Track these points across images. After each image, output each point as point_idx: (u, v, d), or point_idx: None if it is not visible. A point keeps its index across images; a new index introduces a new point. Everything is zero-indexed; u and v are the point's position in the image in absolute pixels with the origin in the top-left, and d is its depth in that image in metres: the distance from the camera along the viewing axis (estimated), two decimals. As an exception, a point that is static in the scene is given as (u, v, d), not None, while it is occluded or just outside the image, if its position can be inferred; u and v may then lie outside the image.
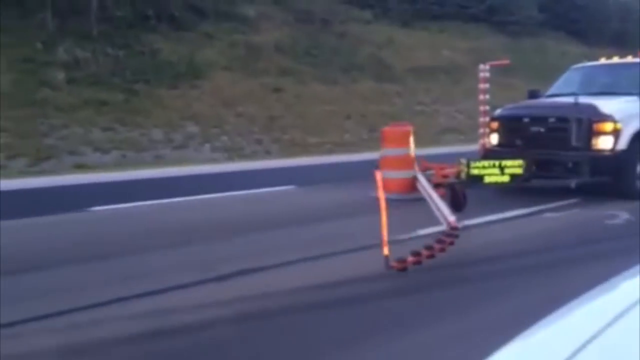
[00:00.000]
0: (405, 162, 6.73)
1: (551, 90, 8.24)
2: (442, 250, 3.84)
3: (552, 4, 30.25)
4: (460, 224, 4.37)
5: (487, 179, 5.72)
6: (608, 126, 6.40)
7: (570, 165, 6.45)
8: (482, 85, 8.80)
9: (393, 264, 3.58)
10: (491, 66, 9.03)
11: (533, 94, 8.18)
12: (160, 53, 15.76)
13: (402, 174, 6.63)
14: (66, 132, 11.45)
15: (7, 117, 11.18)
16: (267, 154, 13.12)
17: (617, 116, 6.42)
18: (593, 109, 6.48)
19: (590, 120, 6.41)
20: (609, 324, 0.90)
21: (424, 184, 5.95)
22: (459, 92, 20.14)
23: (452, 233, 4.13)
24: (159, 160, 11.36)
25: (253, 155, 12.81)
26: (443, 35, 25.99)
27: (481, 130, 8.32)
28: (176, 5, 17.63)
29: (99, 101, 12.59)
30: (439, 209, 4.88)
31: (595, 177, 6.31)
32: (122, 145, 11.56)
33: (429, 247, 3.78)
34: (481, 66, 8.90)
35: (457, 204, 5.75)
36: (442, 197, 5.42)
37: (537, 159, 6.35)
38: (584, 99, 6.65)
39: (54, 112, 11.81)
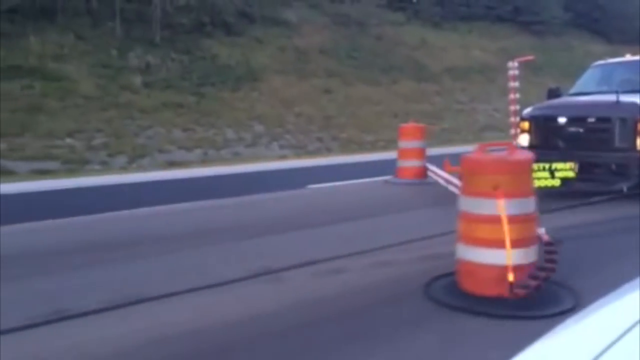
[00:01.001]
0: (417, 153, 7.98)
1: (575, 89, 7.94)
2: (553, 270, 3.73)
3: (574, 3, 31.07)
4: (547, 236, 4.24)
5: (536, 183, 5.31)
6: None
7: (614, 167, 6.19)
8: (512, 84, 8.35)
9: (518, 290, 3.33)
10: (519, 62, 8.64)
11: (554, 93, 7.87)
12: (219, 58, 16.84)
13: (414, 163, 7.97)
14: (151, 132, 12.52)
15: (99, 119, 12.29)
16: (328, 150, 14.14)
17: None
18: (637, 107, 6.19)
19: (635, 119, 6.12)
20: (616, 339, 0.92)
21: (453, 180, 5.98)
22: (493, 91, 21.06)
23: (552, 249, 4.01)
24: (237, 157, 12.40)
25: (316, 152, 13.83)
26: (472, 36, 26.94)
27: (513, 131, 7.84)
28: (228, 11, 18.68)
29: (175, 103, 13.68)
30: None
31: None
32: (201, 144, 12.61)
33: (543, 268, 3.66)
34: (510, 63, 8.50)
35: None
36: None
37: (577, 162, 5.90)
38: (625, 97, 6.33)
39: (137, 114, 12.89)
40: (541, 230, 4.14)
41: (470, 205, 3.22)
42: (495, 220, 3.06)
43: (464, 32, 27.00)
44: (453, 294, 3.26)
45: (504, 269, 3.06)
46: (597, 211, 6.00)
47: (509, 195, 3.10)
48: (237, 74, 16.26)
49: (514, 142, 7.47)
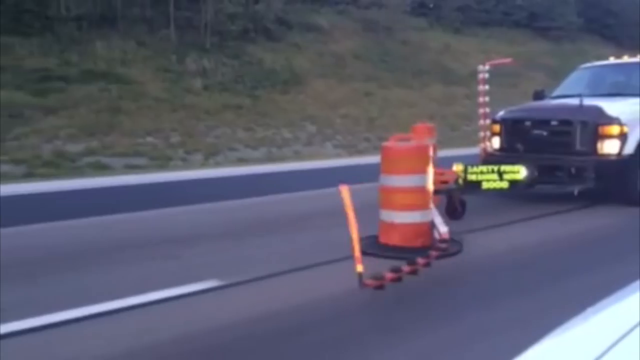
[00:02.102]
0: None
1: (557, 91, 8.00)
2: (427, 265, 3.60)
3: (587, 10, 32.33)
4: (453, 236, 4.22)
5: (485, 185, 5.44)
6: (614, 129, 6.14)
7: (573, 170, 6.23)
8: (481, 87, 8.16)
9: (367, 281, 3.25)
10: (491, 66, 8.46)
11: (538, 95, 8.01)
12: (264, 62, 17.95)
13: None
14: (217, 131, 13.59)
15: (171, 119, 13.36)
16: (376, 149, 15.19)
17: (623, 118, 6.17)
18: (598, 111, 6.25)
19: (596, 123, 6.19)
20: (615, 343, 0.94)
21: None
22: (517, 95, 22.14)
23: (440, 246, 3.93)
24: (298, 155, 13.47)
25: (365, 151, 14.89)
26: (491, 41, 28.12)
27: (481, 134, 7.84)
28: (268, 18, 19.79)
29: (234, 105, 14.78)
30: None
31: (600, 183, 6.11)
32: (264, 143, 13.67)
33: (411, 262, 3.52)
34: (480, 67, 8.31)
35: (453, 212, 5.56)
36: (436, 204, 5.11)
37: (540, 164, 6.11)
38: (589, 101, 6.42)
39: (203, 115, 13.97)
40: (444, 229, 4.15)
41: (386, 180, 4.44)
42: (406, 190, 4.30)
43: (483, 38, 28.20)
44: (374, 246, 4.33)
45: (411, 226, 4.28)
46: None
47: (408, 172, 4.31)
48: (283, 78, 17.37)
49: (483, 145, 7.61)
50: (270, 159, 13.01)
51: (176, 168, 11.32)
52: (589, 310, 1.18)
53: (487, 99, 7.98)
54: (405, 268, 3.44)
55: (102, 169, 10.71)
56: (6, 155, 10.34)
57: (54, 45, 14.27)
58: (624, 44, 31.69)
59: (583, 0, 32.04)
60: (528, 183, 5.81)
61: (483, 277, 3.85)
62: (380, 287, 3.26)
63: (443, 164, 5.74)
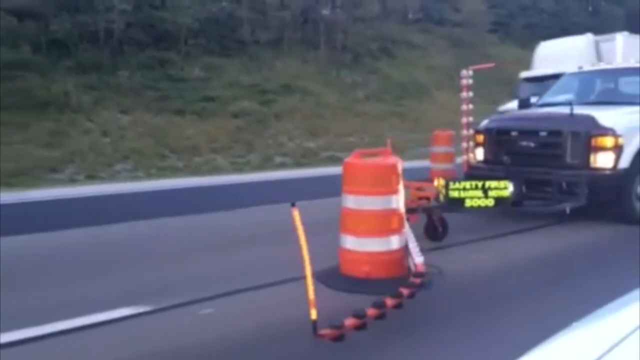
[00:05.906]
0: None
1: (543, 99, 7.63)
2: (398, 305, 3.22)
3: None
4: (430, 268, 3.85)
5: (468, 203, 5.07)
6: (608, 141, 5.80)
7: (564, 185, 5.85)
8: (464, 94, 7.82)
9: (323, 331, 2.85)
10: (474, 71, 8.16)
11: (524, 103, 7.72)
12: (392, 76, 21.77)
13: None
14: (391, 134, 17.31)
15: (355, 123, 17.11)
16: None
17: (618, 129, 5.83)
18: (591, 121, 5.91)
19: (589, 134, 5.84)
20: (610, 349, 0.92)
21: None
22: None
23: (414, 282, 3.47)
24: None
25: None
26: (554, 55, 32.17)
27: (464, 145, 7.52)
28: (387, 38, 23.68)
29: (397, 112, 18.58)
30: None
31: (593, 199, 5.71)
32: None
33: (378, 305, 3.11)
34: (463, 72, 7.97)
35: (433, 232, 5.26)
36: (415, 224, 4.90)
37: (527, 179, 5.81)
38: (580, 110, 6.09)
39: (375, 120, 17.72)
40: (419, 259, 3.80)
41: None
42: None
43: (547, 52, 32.21)
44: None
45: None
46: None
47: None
48: (414, 90, 21.19)
49: (465, 157, 7.26)
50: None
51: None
52: (586, 318, 1.14)
53: (470, 106, 7.75)
54: (372, 311, 3.06)
55: (338, 160, 14.40)
56: (273, 150, 14.08)
57: (250, 64, 18.03)
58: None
59: None
60: (515, 200, 5.47)
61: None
62: (339, 339, 2.89)
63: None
